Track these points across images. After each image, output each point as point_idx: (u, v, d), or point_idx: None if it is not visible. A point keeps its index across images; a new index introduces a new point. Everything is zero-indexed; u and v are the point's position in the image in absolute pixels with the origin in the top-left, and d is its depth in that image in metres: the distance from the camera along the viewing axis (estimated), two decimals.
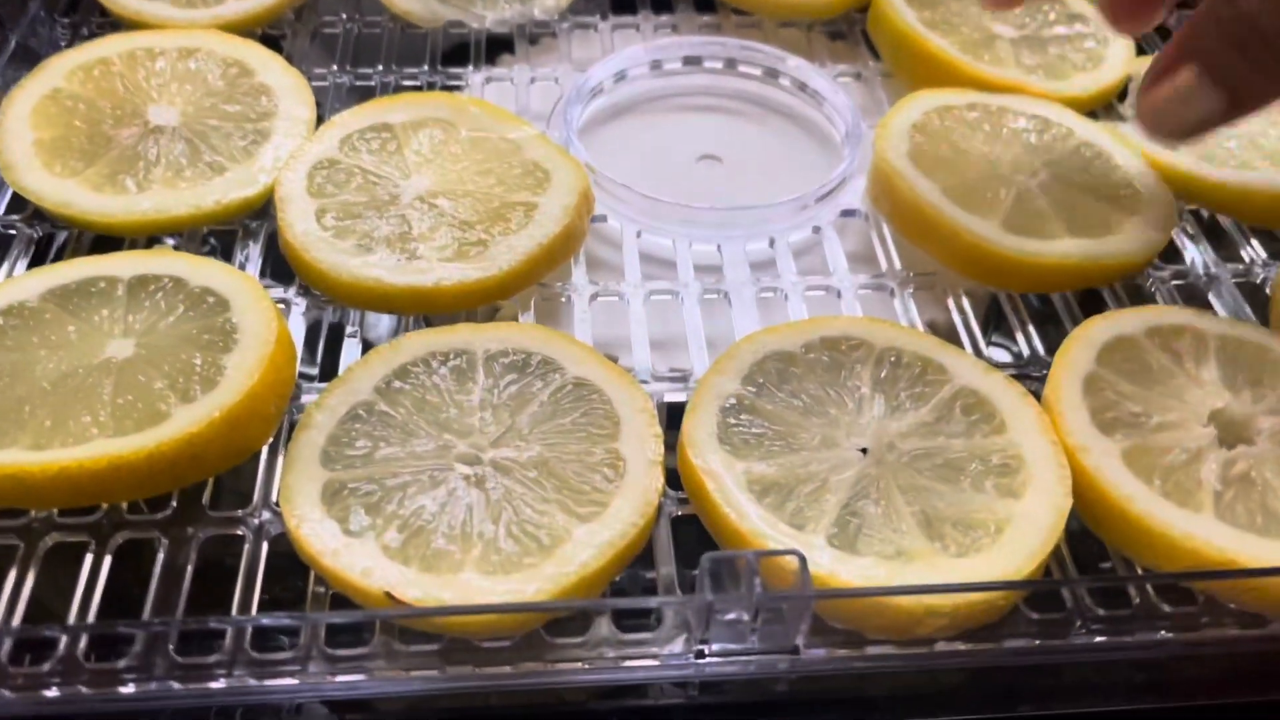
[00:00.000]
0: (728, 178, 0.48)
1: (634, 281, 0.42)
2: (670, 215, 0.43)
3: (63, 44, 0.51)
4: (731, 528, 0.32)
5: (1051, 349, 0.40)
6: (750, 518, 0.32)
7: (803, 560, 0.29)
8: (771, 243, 0.43)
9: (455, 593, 0.30)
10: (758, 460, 0.34)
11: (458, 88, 0.51)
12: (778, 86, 0.51)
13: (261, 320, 0.36)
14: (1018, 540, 0.32)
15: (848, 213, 0.45)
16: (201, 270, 0.38)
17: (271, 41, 0.51)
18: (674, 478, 0.35)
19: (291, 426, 0.36)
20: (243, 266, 0.41)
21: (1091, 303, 0.42)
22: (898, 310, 0.41)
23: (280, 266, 0.41)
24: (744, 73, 0.51)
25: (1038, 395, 0.37)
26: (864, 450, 0.34)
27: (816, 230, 0.44)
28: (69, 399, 0.34)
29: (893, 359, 0.37)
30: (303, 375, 0.38)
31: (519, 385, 0.36)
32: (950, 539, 0.32)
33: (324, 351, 0.40)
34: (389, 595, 0.30)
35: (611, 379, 0.36)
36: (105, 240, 0.42)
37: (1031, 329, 0.41)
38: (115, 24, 0.51)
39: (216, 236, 0.43)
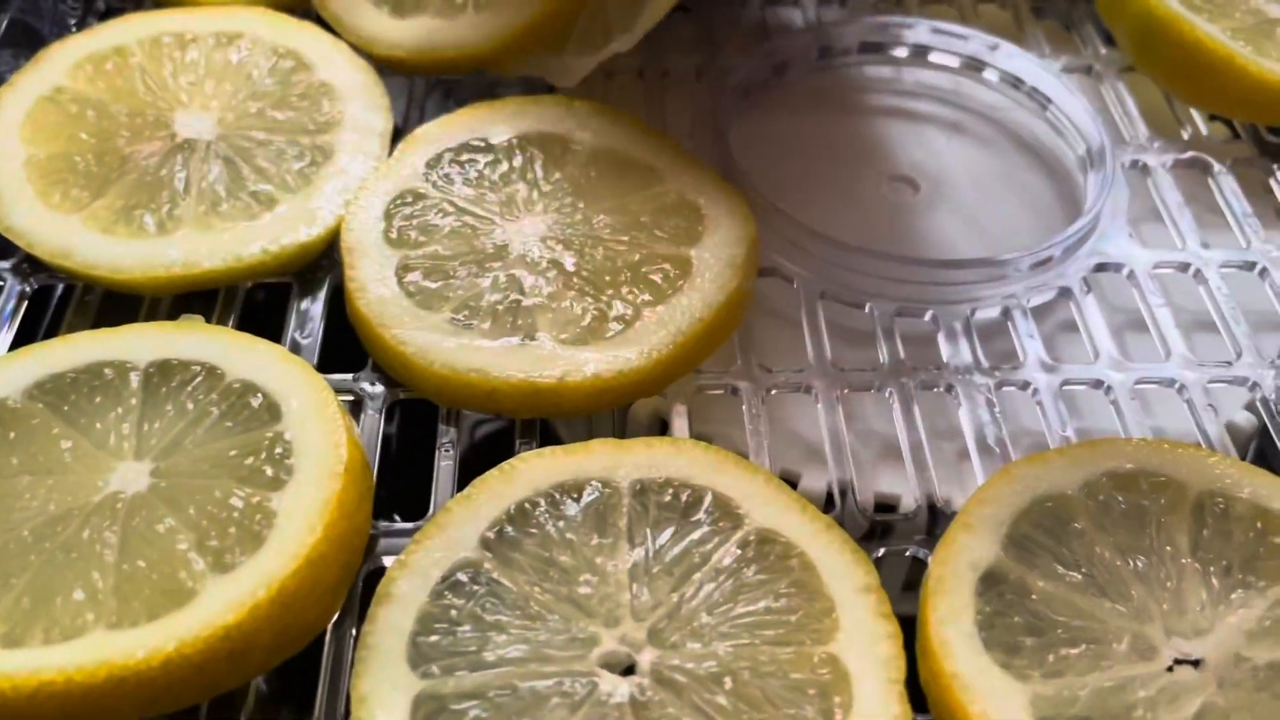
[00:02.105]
0: (929, 211, 0.36)
1: (821, 366, 0.31)
2: (866, 269, 0.32)
3: (71, 23, 0.40)
4: None
5: None
6: None
7: None
8: (1005, 311, 0.32)
9: None
10: (1044, 678, 0.23)
11: None
12: (982, 83, 0.39)
13: (326, 440, 0.26)
14: None
15: (1104, 267, 0.33)
16: (244, 355, 0.28)
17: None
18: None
19: (365, 591, 0.26)
20: (295, 347, 0.31)
21: None
22: (1190, 409, 0.30)
23: (345, 336, 0.31)
24: (937, 63, 0.40)
25: None
26: (1196, 662, 0.24)
27: (1064, 293, 0.33)
28: (57, 560, 0.24)
29: (1218, 508, 0.26)
30: (378, 507, 0.28)
31: (683, 541, 0.25)
32: None
33: (404, 463, 0.30)
34: None
35: (816, 535, 0.25)
36: (117, 298, 0.32)
37: None
38: None
39: (263, 293, 0.32)
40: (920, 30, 0.40)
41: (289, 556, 0.24)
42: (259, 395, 0.27)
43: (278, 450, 0.26)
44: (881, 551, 0.27)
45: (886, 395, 0.30)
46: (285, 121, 0.34)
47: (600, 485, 0.26)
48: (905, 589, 0.29)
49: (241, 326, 0.31)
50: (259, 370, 0.28)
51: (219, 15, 0.37)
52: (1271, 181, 0.36)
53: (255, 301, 0.33)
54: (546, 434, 0.30)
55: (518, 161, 0.33)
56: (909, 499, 0.29)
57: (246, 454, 0.26)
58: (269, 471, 0.26)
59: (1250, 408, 0.31)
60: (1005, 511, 0.26)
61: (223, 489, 0.25)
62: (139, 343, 0.29)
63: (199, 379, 0.28)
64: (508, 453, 0.28)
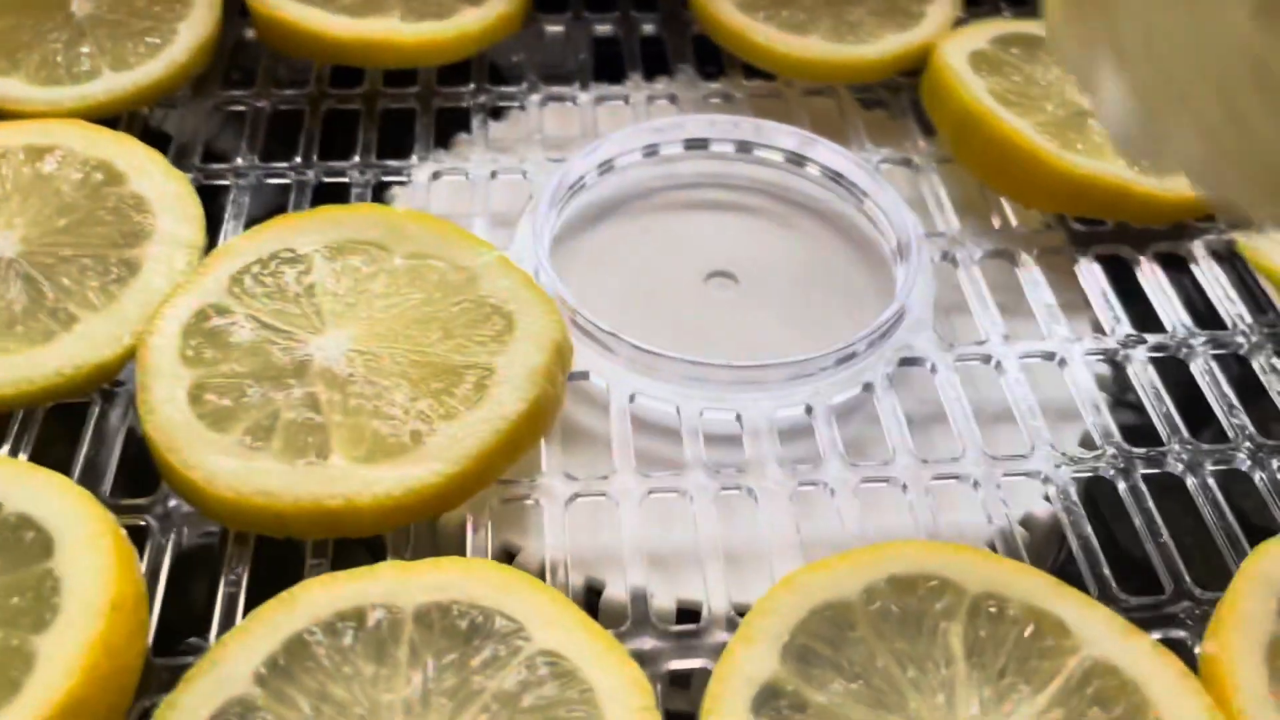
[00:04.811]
0: (744, 305, 0.37)
1: (626, 472, 0.31)
2: (673, 373, 0.33)
3: None
4: None
5: (1202, 573, 0.29)
6: None
7: None
8: (809, 409, 0.33)
9: None
10: None
11: (399, 184, 0.40)
12: (804, 177, 0.40)
13: (96, 576, 0.25)
14: None
15: (908, 361, 0.34)
16: (20, 485, 0.27)
17: (156, 136, 0.40)
18: None
19: None
20: (90, 468, 0.30)
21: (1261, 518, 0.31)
22: (981, 501, 0.31)
23: (144, 461, 0.30)
24: (761, 158, 0.41)
25: (1190, 656, 0.27)
26: None
27: (868, 388, 0.33)
28: None
29: (992, 610, 0.27)
30: (170, 639, 0.27)
31: (463, 669, 0.25)
32: None
33: (198, 598, 0.29)
34: None
35: (597, 657, 0.25)
36: None
37: (1170, 544, 0.30)
38: None
39: (59, 416, 0.32)
40: (744, 127, 0.41)
41: (42, 704, 0.23)
42: (33, 530, 0.27)
43: (47, 586, 0.25)
44: (677, 663, 0.27)
45: (691, 501, 0.31)
46: (92, 236, 0.34)
47: (384, 610, 0.26)
48: None
49: (39, 445, 0.31)
50: (35, 501, 0.27)
51: (31, 129, 0.36)
52: (1076, 269, 0.38)
53: (54, 419, 0.32)
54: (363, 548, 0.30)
55: (328, 272, 0.33)
56: (712, 606, 0.29)
57: (13, 593, 0.25)
58: (34, 611, 0.25)
59: (1048, 499, 0.32)
60: (785, 622, 0.26)
61: None
62: None
63: None
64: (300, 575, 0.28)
